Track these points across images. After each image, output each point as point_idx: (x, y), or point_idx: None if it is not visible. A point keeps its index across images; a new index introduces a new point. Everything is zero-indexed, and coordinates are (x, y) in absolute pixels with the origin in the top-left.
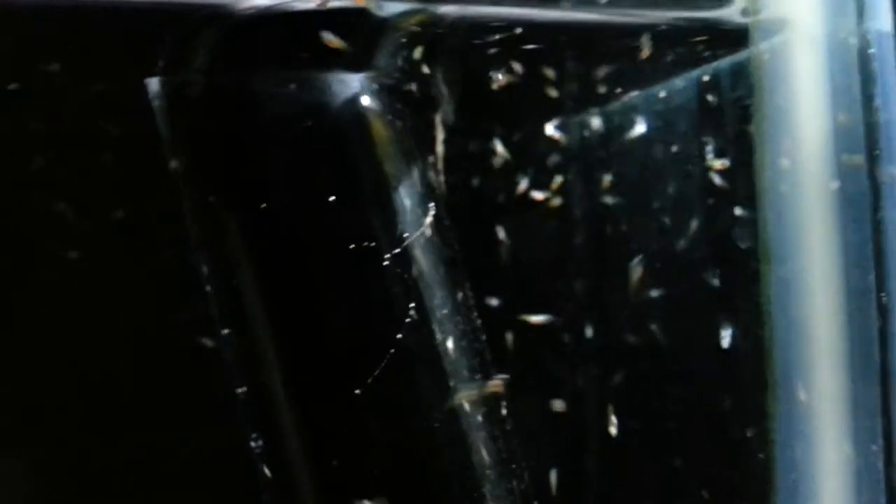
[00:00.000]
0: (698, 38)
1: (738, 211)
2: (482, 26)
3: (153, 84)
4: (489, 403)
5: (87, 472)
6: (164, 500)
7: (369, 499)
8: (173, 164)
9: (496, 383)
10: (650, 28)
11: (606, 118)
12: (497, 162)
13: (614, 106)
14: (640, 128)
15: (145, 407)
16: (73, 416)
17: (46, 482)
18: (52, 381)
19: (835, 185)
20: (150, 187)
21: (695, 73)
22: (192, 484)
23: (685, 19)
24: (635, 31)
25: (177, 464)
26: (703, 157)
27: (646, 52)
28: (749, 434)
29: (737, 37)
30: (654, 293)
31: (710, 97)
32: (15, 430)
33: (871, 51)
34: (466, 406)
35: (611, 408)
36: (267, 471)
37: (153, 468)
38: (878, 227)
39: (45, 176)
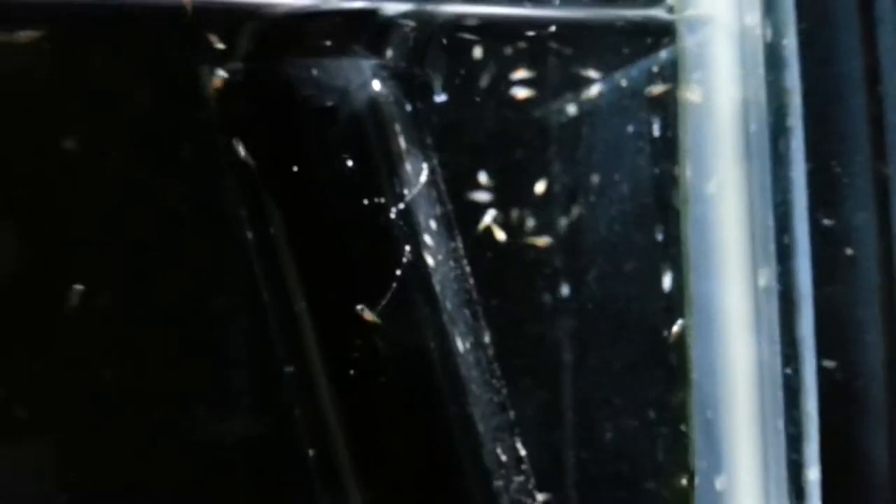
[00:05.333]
0: (633, 33)
1: (668, 170)
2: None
3: (205, 71)
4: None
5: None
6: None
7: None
8: (221, 137)
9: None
10: (590, 26)
11: (561, 104)
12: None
13: (569, 91)
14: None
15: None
16: (108, 400)
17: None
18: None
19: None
20: (198, 159)
21: (636, 63)
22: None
23: (620, 17)
24: (578, 28)
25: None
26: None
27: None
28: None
29: (666, 32)
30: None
31: (645, 81)
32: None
33: (776, 40)
34: (460, 346)
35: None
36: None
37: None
38: (778, 177)
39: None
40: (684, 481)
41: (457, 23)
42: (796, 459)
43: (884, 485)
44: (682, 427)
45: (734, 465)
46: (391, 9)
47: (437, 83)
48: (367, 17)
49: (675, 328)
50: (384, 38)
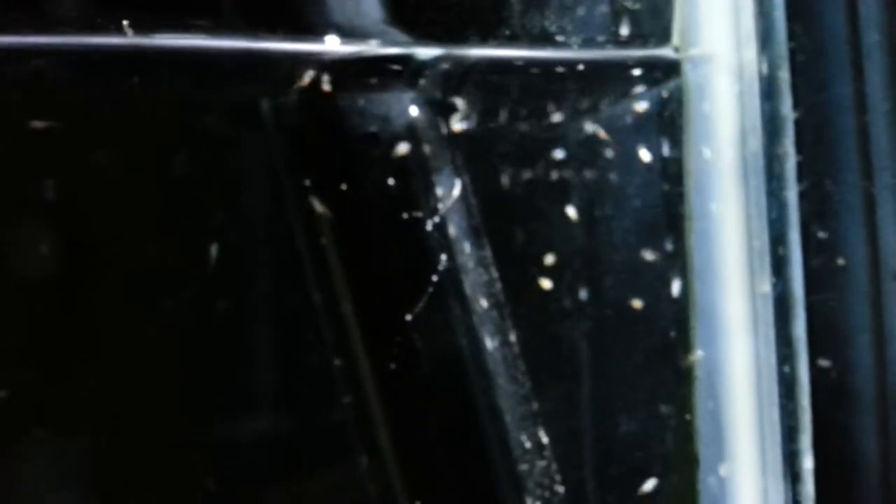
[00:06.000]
0: (644, 69)
1: (671, 187)
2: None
3: (265, 103)
4: (505, 347)
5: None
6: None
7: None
8: (277, 158)
9: None
10: (607, 64)
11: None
12: None
13: (588, 116)
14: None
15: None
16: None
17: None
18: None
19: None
20: (258, 177)
21: (647, 92)
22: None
23: (632, 56)
24: (596, 66)
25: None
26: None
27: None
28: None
29: (673, 68)
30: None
31: (655, 109)
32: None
33: (772, 73)
34: (489, 344)
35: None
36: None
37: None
38: (773, 195)
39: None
40: (689, 468)
41: (489, 63)
42: (793, 449)
43: (872, 472)
44: (688, 417)
45: (736, 454)
46: (425, 53)
47: (472, 111)
48: (403, 60)
49: (691, 357)
50: (419, 75)
